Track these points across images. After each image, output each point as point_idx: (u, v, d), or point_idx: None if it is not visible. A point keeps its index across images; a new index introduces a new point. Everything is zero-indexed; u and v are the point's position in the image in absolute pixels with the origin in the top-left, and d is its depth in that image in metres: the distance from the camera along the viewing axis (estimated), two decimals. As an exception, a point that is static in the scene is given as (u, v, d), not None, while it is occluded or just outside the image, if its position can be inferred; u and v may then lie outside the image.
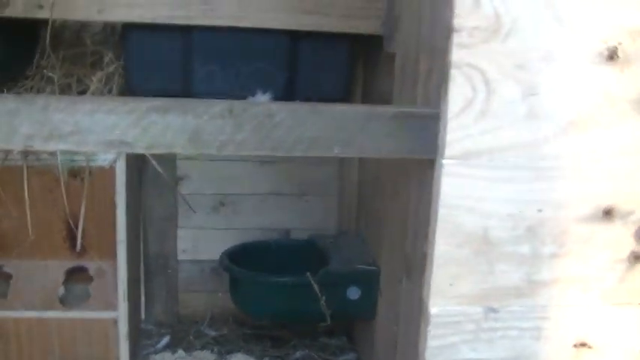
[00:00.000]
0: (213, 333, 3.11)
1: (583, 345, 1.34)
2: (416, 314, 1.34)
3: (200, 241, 3.21)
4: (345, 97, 2.69)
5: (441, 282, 1.25)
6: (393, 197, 2.32)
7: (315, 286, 2.59)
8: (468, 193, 1.21)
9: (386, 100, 2.49)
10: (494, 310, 1.29)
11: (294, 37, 2.53)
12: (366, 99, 2.93)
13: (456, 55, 1.17)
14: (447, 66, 1.18)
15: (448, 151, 1.19)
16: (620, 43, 1.20)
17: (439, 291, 1.25)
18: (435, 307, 1.26)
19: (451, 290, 1.26)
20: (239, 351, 2.91)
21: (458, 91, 1.17)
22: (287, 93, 2.44)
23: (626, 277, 1.31)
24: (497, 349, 1.31)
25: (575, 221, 1.26)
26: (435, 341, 1.28)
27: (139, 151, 1.38)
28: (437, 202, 1.21)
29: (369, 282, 2.58)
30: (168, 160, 3.05)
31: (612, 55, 1.20)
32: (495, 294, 1.28)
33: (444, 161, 1.19)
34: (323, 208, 3.25)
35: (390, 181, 2.42)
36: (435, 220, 1.21)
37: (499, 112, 1.19)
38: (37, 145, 1.34)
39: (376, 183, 2.74)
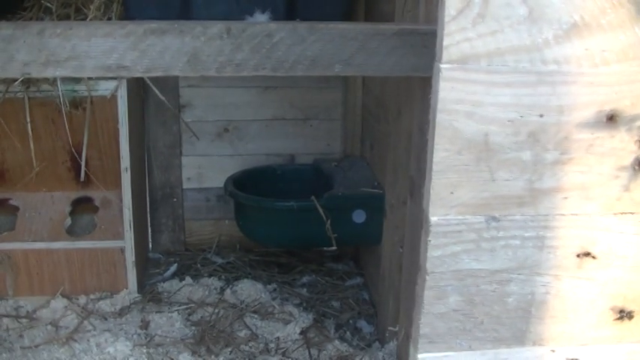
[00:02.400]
0: (220, 260, 3.12)
1: (587, 255, 1.33)
2: (419, 231, 1.32)
3: (205, 169, 3.20)
4: (348, 17, 2.64)
5: (440, 190, 1.23)
6: (397, 119, 2.30)
7: (321, 210, 2.59)
8: (466, 98, 1.18)
9: (389, 21, 2.45)
10: (495, 219, 1.27)
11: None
12: (369, 20, 2.89)
13: (452, -44, 1.14)
14: (443, -34, 1.15)
15: (445, 55, 1.16)
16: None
17: (439, 199, 1.24)
18: (436, 216, 1.25)
19: (451, 199, 1.24)
20: (246, 277, 2.93)
21: (454, -8, 1.14)
22: (287, 14, 2.39)
23: (630, 185, 1.29)
24: (499, 259, 1.30)
25: (578, 127, 1.23)
26: (436, 251, 1.27)
27: (137, 74, 1.37)
28: (435, 108, 1.18)
29: (374, 205, 2.58)
30: (171, 88, 3.03)
31: (616, -47, 1.17)
32: (496, 202, 1.26)
33: (442, 66, 1.17)
34: (327, 133, 3.23)
35: (393, 103, 2.40)
36: (434, 126, 1.19)
37: (498, 15, 1.15)
38: (35, 72, 1.33)
39: (380, 106, 2.72)
